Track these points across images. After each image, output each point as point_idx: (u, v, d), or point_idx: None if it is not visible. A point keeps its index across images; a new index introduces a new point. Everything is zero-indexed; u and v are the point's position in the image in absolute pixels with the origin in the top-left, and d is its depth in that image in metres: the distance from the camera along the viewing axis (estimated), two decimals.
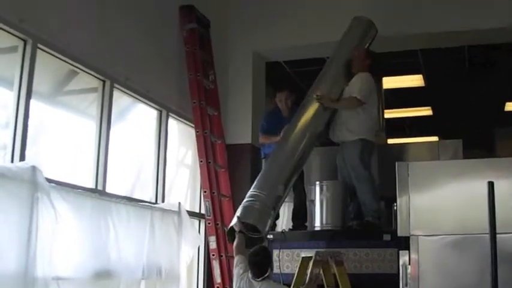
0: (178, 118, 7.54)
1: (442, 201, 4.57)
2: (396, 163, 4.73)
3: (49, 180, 4.65)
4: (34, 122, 5.34)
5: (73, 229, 4.76)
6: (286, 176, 6.48)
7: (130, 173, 6.85)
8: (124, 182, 6.60)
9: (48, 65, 5.59)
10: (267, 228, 6.16)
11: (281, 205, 6.56)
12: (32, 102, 5.31)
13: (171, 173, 7.35)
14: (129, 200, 6.00)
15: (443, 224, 4.54)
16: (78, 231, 4.85)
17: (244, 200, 6.28)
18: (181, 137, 7.83)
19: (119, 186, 6.27)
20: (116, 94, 6.42)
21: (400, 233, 4.64)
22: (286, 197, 6.56)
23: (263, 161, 7.49)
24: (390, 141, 9.85)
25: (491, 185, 3.86)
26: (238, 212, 6.14)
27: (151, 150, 7.05)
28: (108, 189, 5.92)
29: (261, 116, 8.44)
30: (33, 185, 4.32)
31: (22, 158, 4.76)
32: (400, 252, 4.65)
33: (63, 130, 5.84)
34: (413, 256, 4.54)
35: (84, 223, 4.91)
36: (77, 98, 6.35)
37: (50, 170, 5.27)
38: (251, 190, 6.37)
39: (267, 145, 7.28)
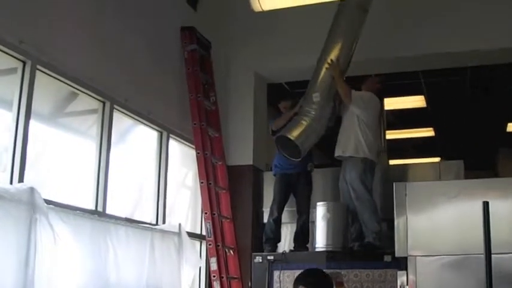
0: (179, 139, 7.54)
1: (440, 222, 4.56)
2: (394, 183, 4.74)
3: (48, 202, 4.64)
4: (35, 144, 5.39)
5: (72, 251, 4.74)
6: None
7: (131, 195, 6.84)
8: (125, 204, 6.60)
9: (48, 87, 5.60)
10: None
11: None
12: (33, 123, 5.36)
13: (172, 194, 7.34)
14: (129, 221, 5.98)
15: (441, 244, 4.52)
16: (77, 253, 4.82)
17: None
18: (183, 158, 7.83)
19: (119, 207, 6.27)
20: (117, 116, 6.45)
21: (398, 253, 4.63)
22: None
23: (274, 177, 7.55)
24: (392, 162, 9.80)
25: (486, 205, 3.84)
26: None
27: (152, 172, 7.05)
28: (109, 211, 5.90)
29: (263, 137, 8.52)
30: (31, 207, 4.31)
31: (21, 179, 4.76)
32: (398, 272, 4.63)
33: (64, 152, 5.83)
34: (411, 277, 4.52)
35: (83, 245, 4.89)
36: (78, 120, 6.36)
37: (50, 192, 5.30)
38: None
39: (277, 165, 7.48)
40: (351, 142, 6.85)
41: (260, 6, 6.36)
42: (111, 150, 6.18)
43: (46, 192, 5.08)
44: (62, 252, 4.55)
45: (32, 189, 4.36)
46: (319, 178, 7.77)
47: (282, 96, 8.02)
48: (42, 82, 5.40)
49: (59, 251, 4.51)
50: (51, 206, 4.61)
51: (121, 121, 6.71)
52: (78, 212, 5.06)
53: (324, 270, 5.92)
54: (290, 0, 6.41)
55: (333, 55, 6.96)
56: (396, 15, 7.85)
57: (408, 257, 4.56)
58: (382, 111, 8.16)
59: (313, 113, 6.90)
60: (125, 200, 6.61)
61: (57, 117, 6.11)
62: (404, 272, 4.58)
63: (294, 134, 6.82)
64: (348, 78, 7.30)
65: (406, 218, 4.65)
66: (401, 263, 4.92)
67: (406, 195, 4.65)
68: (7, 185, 4.37)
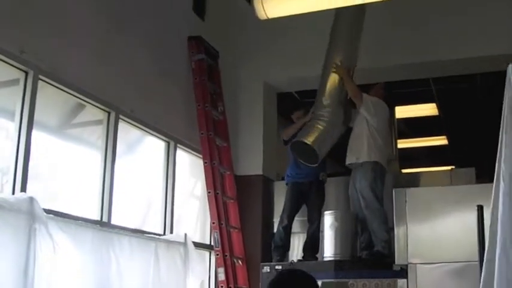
0: (187, 149, 7.51)
1: (441, 228, 4.48)
2: (393, 190, 4.65)
3: (49, 212, 4.62)
4: (41, 155, 5.40)
5: (73, 261, 4.71)
6: None
7: (139, 205, 6.82)
8: (132, 214, 6.57)
9: (55, 97, 5.61)
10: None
11: None
12: (40, 134, 5.38)
13: (180, 205, 7.31)
14: (134, 231, 5.93)
15: (442, 251, 4.43)
16: (78, 263, 4.79)
17: None
18: (192, 168, 7.80)
19: (126, 218, 6.25)
20: (124, 126, 6.44)
21: (398, 261, 4.54)
22: None
23: (286, 186, 7.51)
24: (405, 171, 9.71)
25: (480, 209, 3.75)
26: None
27: (160, 182, 7.02)
28: (116, 222, 5.87)
29: (273, 146, 8.48)
30: (31, 216, 4.29)
31: (23, 189, 4.74)
32: (398, 281, 4.53)
33: (72, 162, 5.84)
34: (412, 285, 4.42)
35: (85, 255, 4.86)
36: (86, 130, 6.36)
37: (56, 202, 5.32)
38: None
39: (289, 174, 7.49)
40: (364, 148, 6.81)
41: (265, 13, 6.28)
42: (119, 161, 6.18)
43: (51, 202, 5.14)
44: (61, 262, 4.52)
45: (31, 199, 4.34)
46: (331, 187, 7.69)
47: (295, 107, 7.99)
48: (48, 93, 5.42)
49: (59, 261, 4.48)
50: (51, 215, 4.58)
51: (129, 132, 6.72)
52: (79, 221, 5.01)
53: (332, 279, 5.94)
54: (296, 7, 6.31)
55: (337, 59, 6.91)
56: (405, 22, 7.80)
57: (408, 265, 4.46)
58: (392, 119, 8.11)
59: (327, 116, 6.87)
60: (133, 211, 6.59)
61: (64, 128, 6.11)
62: (404, 280, 4.47)
63: (310, 139, 6.78)
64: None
65: (406, 225, 4.58)
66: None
67: (406, 202, 4.55)
68: (6, 195, 4.34)
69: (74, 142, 6.20)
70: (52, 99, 5.64)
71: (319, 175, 7.37)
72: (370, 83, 7.57)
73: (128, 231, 5.76)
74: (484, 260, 2.77)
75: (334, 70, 6.97)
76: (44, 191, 5.49)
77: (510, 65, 2.73)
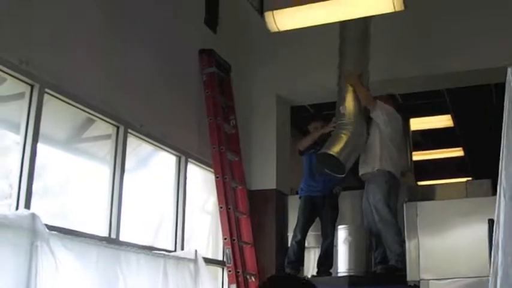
0: (198, 164, 7.40)
1: (453, 243, 4.31)
2: (404, 204, 4.50)
3: (52, 228, 4.53)
4: (50, 170, 5.34)
5: (77, 279, 4.60)
6: None
7: (150, 221, 6.72)
8: (143, 231, 6.48)
9: (64, 112, 5.55)
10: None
11: None
12: (49, 149, 5.33)
13: (192, 220, 7.20)
14: (142, 248, 5.82)
15: (454, 266, 4.28)
16: (83, 282, 4.68)
17: None
18: (204, 182, 7.70)
19: (137, 234, 6.15)
20: (135, 141, 6.37)
21: (410, 276, 4.38)
22: None
23: (299, 200, 7.44)
24: (421, 183, 9.54)
25: (491, 223, 3.60)
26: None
27: (171, 197, 6.92)
28: (125, 238, 5.77)
29: (286, 160, 8.37)
30: (32, 233, 4.19)
31: (27, 205, 4.66)
32: None
33: (81, 177, 5.78)
34: None
35: (90, 273, 4.74)
36: (95, 145, 6.29)
37: (65, 218, 5.25)
38: None
39: (303, 187, 7.40)
40: (377, 157, 6.70)
41: (276, 26, 6.20)
42: (130, 176, 6.11)
43: (59, 218, 5.07)
44: (64, 280, 4.41)
45: (32, 215, 4.26)
46: (345, 201, 7.55)
47: (312, 117, 7.89)
48: (57, 107, 5.36)
49: (62, 279, 4.37)
50: (54, 232, 4.48)
51: (139, 146, 6.65)
52: (84, 238, 4.91)
53: None
54: (307, 20, 6.21)
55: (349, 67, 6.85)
56: (417, 33, 7.68)
57: (420, 281, 4.30)
58: (407, 131, 7.98)
59: (350, 126, 6.78)
60: (143, 227, 6.50)
61: (74, 143, 6.05)
62: None
63: (335, 150, 6.64)
64: None
65: (418, 240, 4.42)
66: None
67: (417, 215, 4.40)
68: (6, 211, 4.25)
69: (84, 157, 6.15)
70: (61, 114, 5.58)
71: (334, 189, 7.23)
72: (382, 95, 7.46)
73: (136, 248, 5.65)
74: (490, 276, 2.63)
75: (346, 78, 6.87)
76: (53, 207, 5.46)
77: (509, 69, 2.60)
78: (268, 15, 6.08)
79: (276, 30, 6.28)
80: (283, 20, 6.13)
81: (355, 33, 6.95)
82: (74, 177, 5.72)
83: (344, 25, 6.94)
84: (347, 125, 6.77)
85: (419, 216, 4.41)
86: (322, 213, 7.29)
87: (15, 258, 4.08)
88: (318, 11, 5.91)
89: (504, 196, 2.61)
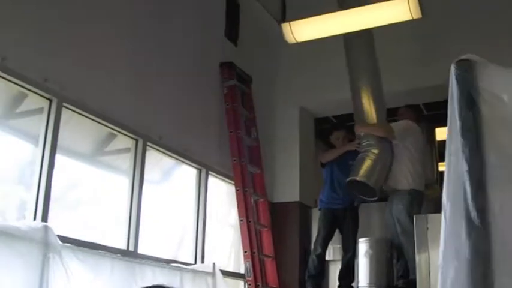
0: (219, 176, 7.38)
1: None
2: (414, 216, 4.38)
3: (65, 240, 4.54)
4: (73, 183, 5.39)
5: None
6: None
7: (171, 234, 6.72)
8: (164, 243, 6.48)
9: (87, 126, 5.59)
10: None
11: None
12: (71, 162, 5.37)
13: (214, 233, 7.17)
14: (159, 261, 5.80)
15: None
16: None
17: None
18: (227, 195, 7.67)
19: (157, 247, 6.15)
20: (157, 155, 6.38)
21: None
22: None
23: (318, 212, 7.36)
24: None
25: None
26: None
27: (191, 210, 6.91)
28: (145, 251, 5.78)
29: (310, 172, 8.31)
30: (44, 245, 4.20)
31: (44, 217, 4.68)
32: None
33: (104, 190, 5.83)
34: None
35: (104, 285, 4.73)
36: (118, 158, 6.32)
37: (86, 230, 5.28)
38: None
39: (323, 199, 7.33)
40: (402, 174, 6.58)
41: (294, 37, 6.19)
42: (151, 188, 6.13)
43: (80, 231, 5.10)
44: None
45: (45, 227, 4.27)
46: (366, 213, 7.45)
47: (333, 127, 7.81)
48: (80, 122, 5.40)
49: None
50: (67, 244, 4.48)
51: (162, 159, 6.66)
52: (98, 251, 4.90)
53: None
54: (324, 30, 6.20)
55: (362, 85, 6.79)
56: (441, 40, 7.57)
57: None
58: (432, 141, 7.87)
59: (375, 149, 6.70)
60: (164, 240, 6.49)
61: (97, 156, 6.08)
62: None
63: (363, 175, 6.58)
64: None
65: (428, 255, 4.26)
66: None
67: (427, 228, 4.26)
68: (19, 223, 4.26)
69: (107, 170, 6.19)
70: (84, 128, 5.62)
71: (355, 201, 7.14)
72: (408, 105, 7.37)
73: (153, 260, 5.62)
74: None
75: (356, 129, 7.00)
76: (76, 219, 5.49)
77: (452, 65, 2.49)
78: (285, 27, 6.09)
79: (294, 41, 6.29)
80: (301, 30, 6.13)
81: (358, 46, 6.87)
82: (98, 190, 5.77)
83: (346, 39, 6.88)
84: (371, 147, 6.71)
85: (430, 229, 4.26)
86: (342, 225, 7.19)
87: (27, 270, 4.09)
88: (335, 21, 5.89)
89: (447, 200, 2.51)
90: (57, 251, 4.26)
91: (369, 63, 6.89)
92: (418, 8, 5.39)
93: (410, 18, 5.50)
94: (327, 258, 7.34)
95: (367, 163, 6.62)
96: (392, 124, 6.79)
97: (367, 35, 6.78)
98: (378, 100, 6.86)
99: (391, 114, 7.24)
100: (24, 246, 4.08)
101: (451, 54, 7.35)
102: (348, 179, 6.65)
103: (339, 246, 7.30)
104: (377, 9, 5.66)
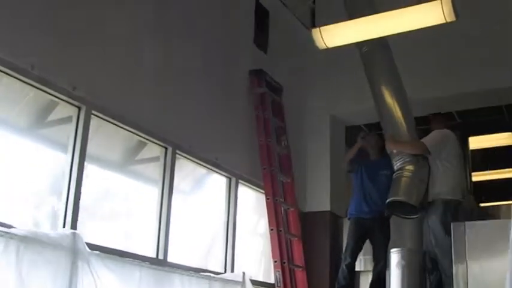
0: (249, 185, 7.32)
1: (506, 268, 3.96)
2: (451, 224, 4.22)
3: (93, 247, 4.51)
4: (104, 192, 5.40)
5: None
6: None
7: (201, 243, 6.67)
8: (194, 252, 6.43)
9: (118, 135, 5.58)
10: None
11: None
12: (101, 171, 5.37)
13: (244, 242, 7.11)
14: (188, 269, 5.74)
15: None
16: None
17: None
18: (256, 204, 7.60)
19: (187, 256, 6.11)
20: (189, 164, 6.34)
21: None
22: None
23: (348, 222, 7.26)
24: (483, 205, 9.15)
25: None
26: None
27: (221, 219, 6.85)
28: (174, 259, 5.73)
29: (341, 182, 8.21)
30: (73, 253, 4.18)
31: (74, 225, 4.66)
32: None
33: (135, 199, 5.83)
34: None
35: None
36: (148, 167, 6.29)
37: (119, 239, 5.29)
38: None
39: (353, 209, 7.18)
40: (436, 186, 6.43)
41: (324, 43, 6.11)
42: (183, 197, 6.11)
43: (113, 239, 5.10)
44: None
45: (74, 234, 4.25)
46: (399, 223, 7.30)
47: (365, 133, 7.70)
48: (107, 130, 5.41)
49: None
50: (96, 252, 4.45)
51: (195, 169, 6.62)
52: (127, 259, 4.86)
53: None
54: (354, 36, 6.11)
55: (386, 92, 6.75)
56: (475, 45, 7.46)
57: None
58: (466, 150, 7.71)
59: (410, 165, 6.56)
60: (194, 248, 6.45)
61: (127, 165, 6.07)
62: None
63: (402, 194, 6.48)
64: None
65: (466, 264, 4.08)
66: None
67: (465, 237, 4.09)
68: (48, 230, 4.24)
69: (137, 179, 6.17)
70: (113, 136, 5.61)
71: (385, 211, 7.00)
72: (440, 112, 7.23)
73: (182, 269, 5.57)
74: None
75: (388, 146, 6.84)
76: (109, 228, 5.48)
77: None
78: (315, 32, 6.01)
79: (324, 47, 6.20)
80: (331, 36, 6.04)
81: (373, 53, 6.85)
82: (128, 199, 5.76)
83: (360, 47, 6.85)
84: (405, 163, 6.59)
85: (468, 237, 4.09)
86: (373, 236, 7.05)
87: (56, 277, 4.07)
88: (366, 26, 5.79)
89: None
90: (85, 258, 4.23)
91: (389, 77, 6.83)
92: (452, 11, 5.25)
93: (444, 21, 5.37)
94: (357, 268, 7.23)
95: (404, 181, 6.49)
96: (428, 137, 6.61)
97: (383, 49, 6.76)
98: (404, 109, 6.76)
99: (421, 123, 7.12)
100: (53, 254, 4.07)
101: (485, 59, 7.30)
102: (388, 200, 6.52)
103: (370, 257, 7.18)
104: (409, 13, 5.53)
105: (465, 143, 8.42)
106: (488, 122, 8.99)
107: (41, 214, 4.86)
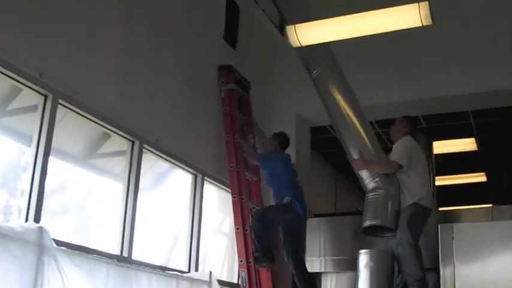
0: (215, 183, 7.19)
1: (494, 270, 3.93)
2: (439, 225, 4.18)
3: (61, 244, 4.35)
4: (64, 186, 5.21)
5: None
6: None
7: (164, 240, 6.52)
8: (157, 250, 6.28)
9: (80, 126, 5.40)
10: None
11: None
12: (63, 164, 5.16)
13: (208, 241, 6.98)
14: (154, 268, 5.59)
15: None
16: None
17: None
18: (221, 202, 7.48)
19: (150, 253, 5.95)
20: (152, 159, 6.19)
21: None
22: None
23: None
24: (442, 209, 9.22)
25: None
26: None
27: (186, 217, 6.70)
28: (138, 257, 5.57)
29: (305, 181, 8.15)
30: (39, 248, 3.99)
31: (37, 219, 4.46)
32: None
33: (96, 194, 5.65)
34: None
35: None
36: (111, 161, 6.11)
37: (77, 235, 5.12)
38: None
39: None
40: (404, 194, 6.38)
41: (299, 41, 6.02)
42: (146, 194, 5.96)
43: (72, 235, 4.93)
44: None
45: (40, 229, 4.05)
46: None
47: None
48: (74, 122, 5.23)
49: None
50: (62, 248, 4.27)
51: (156, 164, 6.46)
52: (94, 255, 4.69)
53: None
54: (330, 34, 6.04)
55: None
56: (442, 52, 7.52)
57: None
58: (429, 154, 7.73)
59: (381, 185, 6.51)
60: (157, 246, 6.30)
61: (89, 158, 5.88)
62: None
63: (376, 218, 6.42)
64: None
65: (454, 266, 4.05)
66: None
67: (453, 239, 4.06)
68: (13, 224, 4.04)
69: (99, 173, 5.98)
70: (77, 128, 5.41)
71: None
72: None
73: (148, 267, 5.42)
74: None
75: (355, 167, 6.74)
76: (68, 223, 5.30)
77: None
78: (290, 29, 5.92)
79: (298, 45, 6.12)
80: (306, 34, 5.95)
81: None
82: (90, 193, 5.59)
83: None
84: (376, 184, 6.54)
85: (456, 239, 4.04)
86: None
87: (21, 272, 3.87)
88: (342, 26, 5.72)
89: None
90: (52, 254, 4.04)
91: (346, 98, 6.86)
92: (429, 15, 5.22)
93: (420, 25, 5.34)
94: (318, 270, 7.31)
95: (380, 203, 6.44)
96: (394, 152, 6.53)
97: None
98: (366, 127, 6.80)
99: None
100: (18, 248, 3.87)
101: (451, 66, 7.34)
102: (364, 225, 6.47)
103: (336, 258, 7.18)
104: (386, 15, 5.49)
105: (429, 147, 8.42)
106: (453, 127, 9.08)
107: None
